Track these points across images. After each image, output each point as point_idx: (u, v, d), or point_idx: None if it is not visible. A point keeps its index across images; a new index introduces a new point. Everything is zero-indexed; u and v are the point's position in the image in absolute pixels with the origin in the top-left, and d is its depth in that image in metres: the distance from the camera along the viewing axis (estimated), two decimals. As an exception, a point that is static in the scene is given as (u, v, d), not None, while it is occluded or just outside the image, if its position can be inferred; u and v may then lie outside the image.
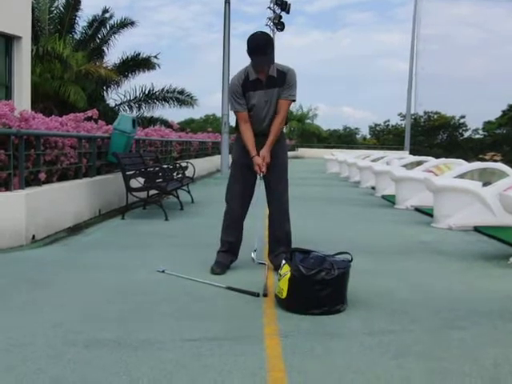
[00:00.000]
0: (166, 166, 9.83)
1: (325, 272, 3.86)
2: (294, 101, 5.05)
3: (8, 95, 12.83)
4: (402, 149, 40.67)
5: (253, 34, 4.71)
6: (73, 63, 21.73)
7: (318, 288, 3.84)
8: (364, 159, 18.38)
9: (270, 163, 4.95)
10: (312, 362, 3.04)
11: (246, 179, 5.03)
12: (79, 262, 5.45)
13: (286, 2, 33.74)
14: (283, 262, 4.09)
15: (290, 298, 3.91)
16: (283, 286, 3.95)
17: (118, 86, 25.95)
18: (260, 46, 4.64)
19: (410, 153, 33.15)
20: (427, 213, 9.34)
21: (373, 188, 14.22)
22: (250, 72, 4.81)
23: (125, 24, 26.00)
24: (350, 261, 4.05)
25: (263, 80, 4.80)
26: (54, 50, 20.93)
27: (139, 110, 26.37)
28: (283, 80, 4.83)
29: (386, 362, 3.07)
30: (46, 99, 20.80)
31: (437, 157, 14.30)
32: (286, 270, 3.97)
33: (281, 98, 4.88)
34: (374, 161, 16.67)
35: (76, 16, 25.50)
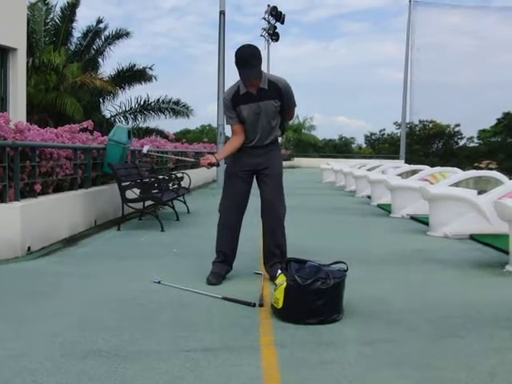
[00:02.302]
0: (161, 177, 9.82)
1: (320, 282, 3.86)
2: (296, 105, 5.16)
3: (3, 107, 12.83)
4: (398, 158, 40.71)
5: (240, 47, 4.73)
6: (68, 74, 21.76)
7: (313, 298, 3.84)
8: (360, 168, 18.40)
9: (264, 173, 5.01)
10: (308, 371, 3.03)
11: (239, 189, 5.06)
12: (75, 273, 5.44)
13: (281, 13, 33.94)
14: (279, 271, 4.09)
15: (286, 307, 3.91)
16: (279, 296, 3.94)
17: (113, 97, 25.99)
18: (246, 58, 4.67)
19: (406, 162, 33.20)
20: (423, 221, 9.35)
21: (368, 197, 14.24)
22: (240, 86, 4.85)
23: (120, 35, 26.07)
24: (346, 270, 4.05)
25: (254, 93, 4.82)
26: (50, 62, 20.97)
27: (135, 120, 26.40)
28: (276, 91, 4.85)
29: (382, 371, 3.07)
30: (41, 111, 20.80)
31: (432, 165, 14.35)
32: (281, 279, 3.97)
33: (285, 109, 5.00)
34: (369, 170, 16.68)
35: (71, 27, 25.57)
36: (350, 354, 3.32)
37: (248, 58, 4.67)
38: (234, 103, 4.89)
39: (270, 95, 4.84)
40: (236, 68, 4.74)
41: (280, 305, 3.93)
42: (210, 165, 5.06)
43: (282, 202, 5.09)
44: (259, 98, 4.83)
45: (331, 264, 4.09)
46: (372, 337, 3.65)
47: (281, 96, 4.87)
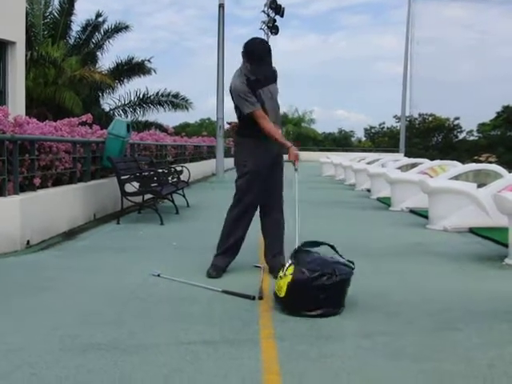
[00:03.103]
0: (160, 170, 9.81)
1: (326, 277, 3.86)
2: None
3: (2, 101, 12.78)
4: (397, 151, 40.69)
5: (253, 42, 4.73)
6: (67, 68, 21.71)
7: (317, 291, 3.84)
8: (359, 162, 18.39)
9: (276, 162, 5.01)
10: (307, 364, 3.04)
11: (260, 188, 4.93)
12: (74, 266, 5.44)
13: (280, 6, 33.77)
14: (289, 261, 4.06)
15: (288, 298, 3.91)
16: (283, 285, 3.93)
17: (112, 91, 25.93)
18: (261, 56, 4.69)
19: (405, 155, 33.14)
20: (422, 215, 9.35)
21: (368, 190, 14.23)
22: (247, 73, 4.76)
23: (119, 28, 26.00)
24: (353, 268, 4.05)
25: (262, 78, 4.79)
26: (48, 55, 20.91)
27: (134, 114, 26.35)
28: (274, 75, 4.98)
29: (382, 363, 3.07)
30: (40, 104, 20.77)
31: (432, 159, 14.34)
32: (291, 271, 3.95)
33: None
34: (369, 163, 16.67)
35: (70, 21, 25.50)
36: (349, 347, 3.33)
37: (263, 55, 4.70)
38: (251, 88, 4.74)
39: (274, 78, 4.96)
40: (248, 63, 4.69)
41: (282, 294, 3.92)
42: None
43: (282, 196, 5.12)
44: (268, 81, 4.86)
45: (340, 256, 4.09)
46: (371, 330, 3.66)
47: (276, 80, 5.00)
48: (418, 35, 42.45)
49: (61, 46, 23.78)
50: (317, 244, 4.20)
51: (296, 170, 4.90)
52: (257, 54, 4.67)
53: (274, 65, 4.98)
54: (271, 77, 4.92)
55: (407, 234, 7.77)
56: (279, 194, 5.09)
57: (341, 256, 4.14)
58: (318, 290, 3.84)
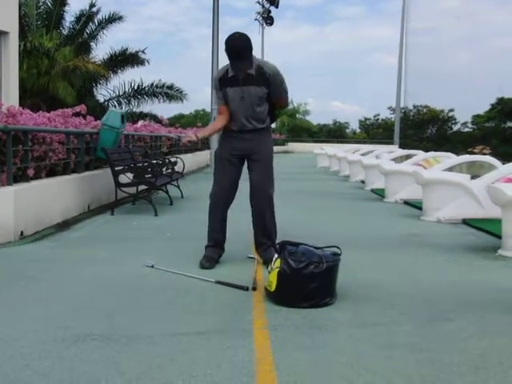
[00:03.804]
0: (155, 161, 9.80)
1: (313, 265, 3.87)
2: (287, 93, 5.10)
3: (-5, 91, 12.75)
4: (392, 143, 40.68)
5: (231, 37, 4.69)
6: (60, 58, 21.60)
7: (306, 281, 3.85)
8: (354, 153, 18.42)
9: (252, 158, 5.03)
10: (300, 354, 3.04)
11: (227, 173, 5.06)
12: (68, 257, 5.44)
13: (275, -3, 33.69)
14: (275, 255, 4.08)
15: (279, 291, 3.92)
16: (272, 279, 3.95)
17: (106, 82, 25.82)
18: (237, 51, 4.65)
19: (400, 146, 33.14)
20: (416, 206, 9.37)
21: (362, 182, 14.26)
22: (229, 68, 4.82)
23: (113, 19, 25.88)
24: (340, 254, 4.06)
25: (240, 77, 4.79)
26: (42, 45, 20.80)
27: (128, 105, 26.21)
28: (262, 78, 4.80)
29: (375, 354, 3.08)
30: (33, 95, 20.68)
31: (426, 150, 14.35)
32: (278, 264, 3.97)
33: (275, 97, 4.98)
34: (363, 155, 16.70)
35: (63, 11, 25.38)
36: (343, 338, 3.33)
37: (239, 50, 4.65)
38: (221, 84, 4.91)
39: (257, 81, 4.81)
40: (227, 57, 4.72)
41: (273, 288, 3.94)
42: (190, 142, 5.20)
43: (270, 187, 5.07)
44: (245, 83, 4.81)
45: (325, 247, 4.09)
46: (364, 320, 3.67)
47: (268, 83, 4.84)
48: (414, 26, 42.33)
49: (54, 36, 23.66)
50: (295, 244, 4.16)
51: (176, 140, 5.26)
52: (233, 50, 4.66)
53: (269, 60, 4.98)
54: (254, 79, 4.80)
55: (401, 226, 7.78)
56: (261, 186, 5.04)
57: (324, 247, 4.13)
58: (308, 280, 3.84)
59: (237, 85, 4.82)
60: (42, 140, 7.23)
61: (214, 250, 5.08)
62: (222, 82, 4.89)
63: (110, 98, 26.04)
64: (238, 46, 4.66)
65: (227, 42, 4.67)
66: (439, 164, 9.69)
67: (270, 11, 35.69)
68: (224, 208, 5.10)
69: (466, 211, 7.77)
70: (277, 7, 34.76)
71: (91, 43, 26.26)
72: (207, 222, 5.15)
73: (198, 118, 55.18)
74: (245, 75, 4.77)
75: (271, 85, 4.85)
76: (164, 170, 9.88)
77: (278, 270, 3.92)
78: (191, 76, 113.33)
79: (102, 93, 26.50)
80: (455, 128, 58.31)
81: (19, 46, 15.39)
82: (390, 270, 5.09)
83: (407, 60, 41.90)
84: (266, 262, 4.76)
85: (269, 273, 4.05)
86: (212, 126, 5.32)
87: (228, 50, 4.68)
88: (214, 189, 5.13)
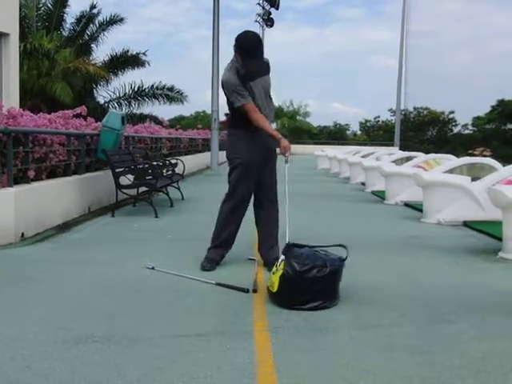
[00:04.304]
0: (155, 163, 9.79)
1: (317, 269, 3.87)
2: None
3: (-4, 93, 12.74)
4: (392, 144, 40.67)
5: (245, 36, 4.68)
6: (60, 59, 21.60)
7: (309, 284, 3.85)
8: (354, 155, 18.40)
9: (269, 156, 5.00)
10: (301, 356, 3.04)
11: (253, 181, 4.96)
12: (69, 259, 5.44)
13: (276, -2, 33.67)
14: (282, 257, 4.07)
15: (281, 292, 3.92)
16: (275, 280, 3.95)
17: (107, 83, 25.85)
18: (254, 50, 4.65)
19: (400, 148, 33.10)
20: (417, 208, 9.37)
21: (363, 184, 14.24)
22: (238, 66, 4.74)
23: (114, 21, 25.90)
24: (344, 259, 4.05)
25: (254, 70, 4.76)
26: (42, 47, 20.81)
27: (129, 106, 26.27)
28: (268, 67, 4.93)
29: (376, 356, 3.08)
30: (34, 96, 20.68)
31: (426, 152, 14.37)
32: (283, 266, 3.96)
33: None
34: (363, 157, 16.68)
35: (64, 12, 25.41)
36: (343, 340, 3.33)
37: (255, 48, 4.66)
38: (243, 81, 4.74)
39: (266, 70, 4.91)
40: (241, 56, 4.66)
41: (275, 289, 3.93)
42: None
43: (276, 189, 5.11)
44: (260, 73, 4.82)
45: (331, 246, 4.08)
46: (365, 322, 3.67)
47: (269, 71, 4.95)
48: (414, 28, 42.27)
49: (54, 37, 23.68)
50: (301, 246, 4.16)
51: (286, 161, 4.85)
52: (249, 48, 4.64)
53: (268, 57, 4.98)
54: (264, 69, 4.88)
55: (402, 228, 7.78)
56: (272, 186, 5.08)
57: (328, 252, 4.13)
58: (310, 283, 3.84)
59: (256, 76, 4.79)
60: (43, 141, 7.23)
61: (217, 252, 5.05)
62: (242, 79, 4.72)
63: (110, 100, 26.10)
64: (255, 44, 4.68)
65: (241, 40, 4.66)
66: (439, 166, 9.68)
67: (270, 13, 35.63)
68: (242, 217, 5.05)
69: (466, 213, 7.77)
70: (277, 9, 34.73)
71: (92, 45, 26.33)
72: (215, 224, 5.06)
73: (199, 120, 55.08)
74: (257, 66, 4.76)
75: (269, 71, 4.98)
76: (164, 171, 9.88)
77: (281, 271, 3.92)
78: (191, 77, 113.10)
79: (102, 94, 26.57)
80: (455, 130, 58.29)
81: (19, 48, 15.39)
82: (391, 272, 5.09)
83: (407, 62, 41.87)
84: (267, 262, 4.77)
85: (273, 273, 4.04)
86: (270, 125, 4.95)
87: (245, 49, 4.63)
88: (239, 194, 4.93)
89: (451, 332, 3.52)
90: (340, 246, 4.10)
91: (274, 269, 4.05)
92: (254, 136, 4.83)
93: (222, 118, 20.32)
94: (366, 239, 6.71)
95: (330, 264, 3.91)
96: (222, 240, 5.04)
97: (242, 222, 5.07)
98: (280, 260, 4.05)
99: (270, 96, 4.97)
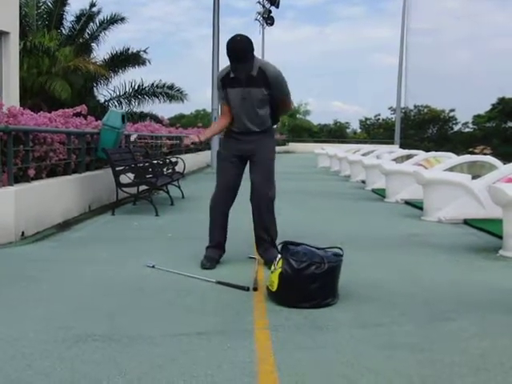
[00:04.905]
0: (155, 162, 9.79)
1: (315, 266, 3.87)
2: (287, 94, 5.03)
3: (-4, 91, 12.74)
4: (393, 143, 40.65)
5: (232, 39, 4.65)
6: (61, 57, 21.58)
7: (307, 282, 3.85)
8: (354, 153, 18.40)
9: (253, 160, 5.02)
10: (302, 354, 3.05)
11: (228, 174, 5.06)
12: (69, 257, 5.44)
13: (276, -3, 33.68)
14: (278, 256, 4.07)
15: (281, 291, 3.92)
16: (274, 279, 3.95)
17: (107, 82, 25.81)
18: (238, 55, 4.62)
19: (401, 146, 33.06)
20: (417, 206, 9.37)
21: (363, 182, 14.25)
22: (230, 69, 4.79)
23: (115, 20, 25.83)
24: (342, 255, 4.05)
25: (241, 78, 4.77)
26: (42, 45, 20.78)
27: (129, 105, 26.18)
28: (264, 79, 4.76)
29: (376, 354, 3.08)
30: (34, 95, 20.67)
31: (427, 150, 14.34)
32: (280, 264, 3.96)
33: (277, 99, 4.94)
34: (364, 155, 16.68)
35: (64, 11, 25.38)
36: (344, 338, 3.33)
37: (240, 53, 4.62)
38: (223, 84, 4.90)
39: (258, 83, 4.77)
40: (227, 57, 4.70)
41: (275, 288, 3.94)
42: (193, 143, 5.29)
43: (270, 188, 5.04)
44: (246, 84, 4.78)
45: (327, 248, 4.09)
46: (365, 320, 3.67)
47: (269, 85, 4.79)
48: (414, 26, 42.17)
49: (54, 35, 23.63)
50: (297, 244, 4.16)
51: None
52: (234, 53, 4.62)
53: (270, 60, 4.97)
54: (254, 82, 4.77)
55: (402, 226, 7.78)
56: (259, 188, 5.02)
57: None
58: (309, 280, 3.84)
59: (238, 86, 4.81)
60: (43, 140, 7.23)
61: (215, 251, 5.07)
62: (224, 83, 4.88)
63: (110, 98, 26.04)
64: (239, 48, 4.63)
65: (228, 44, 4.65)
66: (440, 164, 9.67)
67: (270, 11, 35.69)
68: (225, 208, 5.08)
69: (466, 211, 7.77)
70: (277, 7, 34.81)
71: (92, 44, 26.27)
72: (208, 222, 5.14)
73: (199, 118, 55.15)
74: (246, 76, 4.75)
75: (272, 87, 4.81)
76: (165, 170, 9.88)
77: (280, 270, 3.92)
78: (192, 76, 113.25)
79: (102, 93, 26.52)
80: (456, 128, 58.22)
81: (19, 46, 15.38)
82: (391, 270, 5.09)
83: (408, 60, 41.89)
84: (267, 262, 4.76)
85: (271, 272, 4.05)
86: (214, 128, 5.40)
87: (228, 52, 4.65)
88: (215, 189, 5.12)
89: (451, 330, 3.52)
90: (336, 248, 4.10)
91: (273, 267, 4.05)
92: (229, 135, 5.13)
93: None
94: (367, 237, 6.71)
95: (328, 260, 3.91)
96: (215, 239, 5.08)
97: (226, 219, 5.10)
98: (277, 258, 4.06)
99: (253, 108, 4.87)
